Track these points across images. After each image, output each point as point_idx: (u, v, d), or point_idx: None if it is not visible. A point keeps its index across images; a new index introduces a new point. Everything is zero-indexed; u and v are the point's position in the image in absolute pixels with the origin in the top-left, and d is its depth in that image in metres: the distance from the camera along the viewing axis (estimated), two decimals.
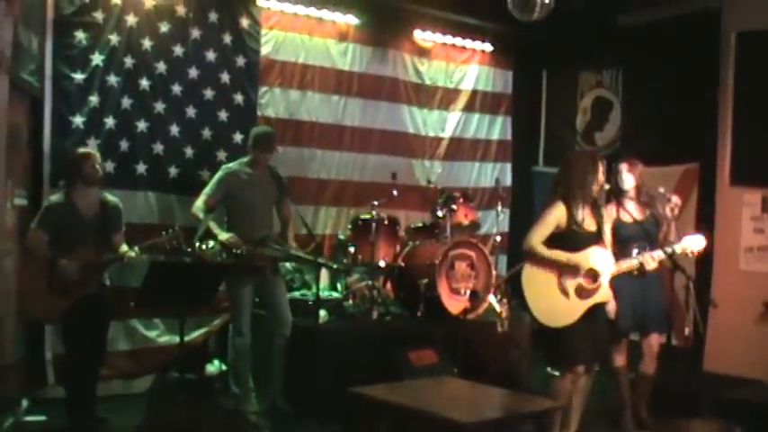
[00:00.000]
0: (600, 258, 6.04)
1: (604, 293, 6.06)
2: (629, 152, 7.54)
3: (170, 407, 6.89)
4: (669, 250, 6.25)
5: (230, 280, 7.09)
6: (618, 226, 6.79)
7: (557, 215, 6.03)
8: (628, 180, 6.96)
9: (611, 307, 6.26)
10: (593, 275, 6.00)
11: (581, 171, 6.06)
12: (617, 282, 6.22)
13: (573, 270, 5.98)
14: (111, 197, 6.84)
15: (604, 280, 6.02)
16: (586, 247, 6.03)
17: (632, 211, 6.84)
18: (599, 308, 6.06)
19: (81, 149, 6.86)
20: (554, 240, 6.05)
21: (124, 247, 6.69)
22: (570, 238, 6.03)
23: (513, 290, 8.36)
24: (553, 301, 6.02)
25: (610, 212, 6.72)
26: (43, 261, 6.37)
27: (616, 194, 6.80)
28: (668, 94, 9.18)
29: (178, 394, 7.30)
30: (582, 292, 6.00)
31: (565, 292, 6.02)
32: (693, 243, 6.34)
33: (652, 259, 6.24)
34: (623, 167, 6.99)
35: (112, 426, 6.77)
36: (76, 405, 6.54)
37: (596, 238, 6.12)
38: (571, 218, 6.01)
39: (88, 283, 6.46)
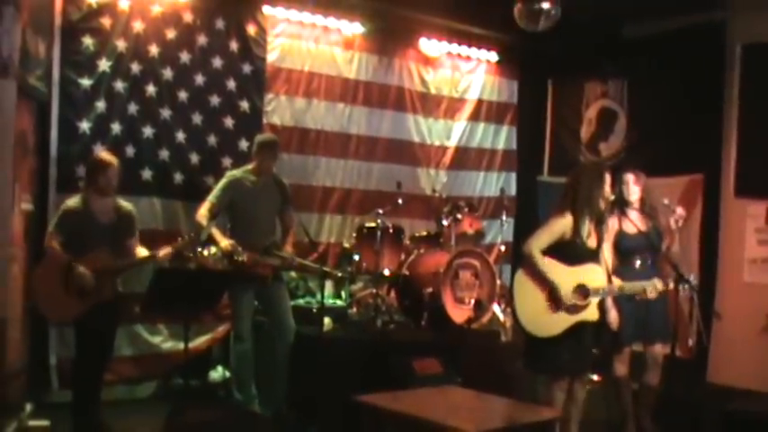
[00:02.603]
0: (593, 277, 6.02)
1: (592, 312, 6.03)
2: (634, 163, 7.54)
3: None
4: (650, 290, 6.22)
5: (231, 286, 7.10)
6: (621, 237, 6.79)
7: (563, 226, 6.01)
8: (635, 192, 6.96)
9: (613, 317, 6.24)
10: (584, 292, 5.98)
11: (589, 186, 6.03)
12: None
13: (557, 290, 5.97)
14: (125, 203, 6.84)
15: (594, 300, 6.01)
16: (584, 262, 6.01)
17: (636, 222, 6.84)
18: (585, 324, 6.04)
19: (101, 155, 6.80)
20: (554, 250, 6.04)
21: (142, 251, 6.72)
22: (571, 250, 6.00)
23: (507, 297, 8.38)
24: (540, 310, 5.99)
25: (612, 224, 6.72)
26: (60, 264, 6.39)
27: (620, 205, 6.79)
28: (673, 105, 9.19)
29: (182, 400, 7.30)
30: (570, 307, 5.98)
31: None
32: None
33: (654, 289, 6.21)
34: (630, 179, 6.98)
35: (115, 431, 6.76)
36: (81, 409, 6.54)
37: (595, 256, 6.10)
38: (576, 231, 5.99)
39: (105, 289, 6.47)
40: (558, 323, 5.97)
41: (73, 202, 6.63)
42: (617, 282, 6.20)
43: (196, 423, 6.60)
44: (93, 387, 6.69)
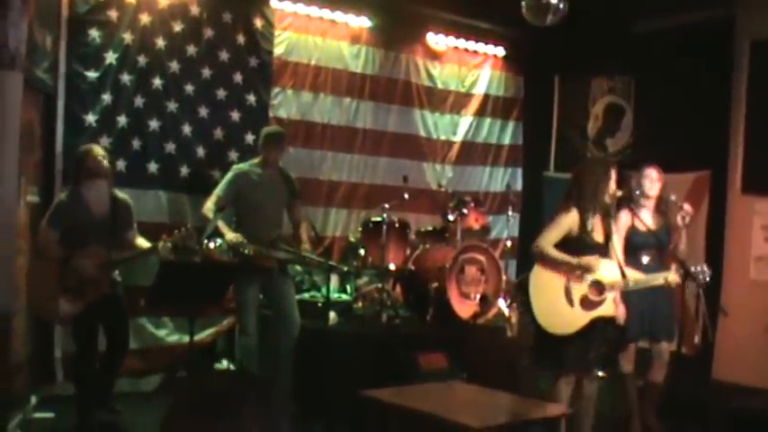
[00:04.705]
0: (607, 271, 6.02)
1: (608, 307, 6.03)
2: (640, 159, 7.50)
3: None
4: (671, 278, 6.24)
5: (236, 279, 7.09)
6: (632, 233, 6.76)
7: (570, 221, 6.00)
8: (656, 187, 6.92)
9: (621, 312, 6.23)
10: (600, 288, 5.97)
11: (594, 180, 6.02)
12: None
13: (582, 273, 5.95)
14: (121, 194, 6.81)
15: (610, 295, 6.00)
16: (593, 256, 6.00)
17: (647, 219, 6.81)
18: (601, 320, 6.03)
19: (83, 146, 6.83)
20: (562, 247, 6.03)
21: (142, 242, 6.70)
22: (578, 245, 5.99)
23: (522, 295, 8.35)
24: (557, 308, 5.98)
25: (625, 219, 6.70)
26: (55, 261, 6.36)
27: (629, 200, 6.75)
28: (680, 101, 9.15)
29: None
30: (586, 303, 5.97)
31: (570, 301, 5.99)
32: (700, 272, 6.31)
33: (674, 280, 6.24)
34: (654, 174, 6.92)
35: (120, 423, 6.76)
36: (85, 402, 6.53)
37: (603, 249, 6.09)
38: (582, 226, 5.98)
39: (102, 283, 6.45)
40: (575, 320, 5.96)
41: (65, 195, 6.61)
42: (634, 274, 6.19)
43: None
44: (106, 381, 6.69)
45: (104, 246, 6.50)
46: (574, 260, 5.94)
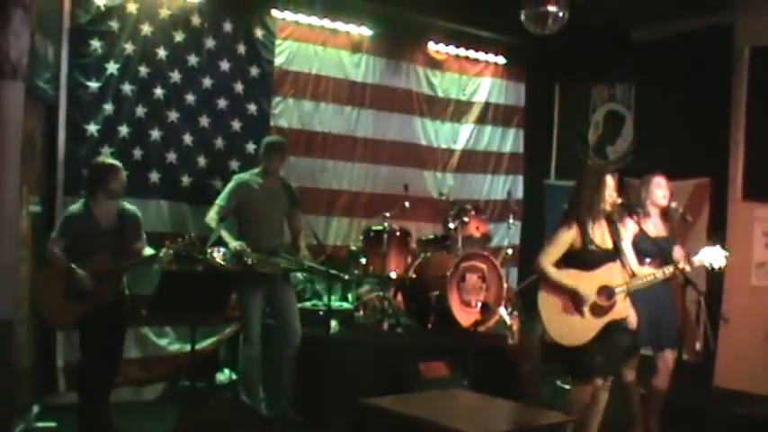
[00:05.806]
0: (614, 275, 6.02)
1: (621, 310, 6.02)
2: (646, 166, 7.50)
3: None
4: (682, 266, 6.25)
5: (240, 288, 7.11)
6: (639, 239, 6.73)
7: (569, 236, 5.99)
8: (667, 196, 6.94)
9: (632, 318, 6.20)
10: (608, 293, 5.97)
11: (589, 191, 6.03)
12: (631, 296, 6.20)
13: (582, 295, 5.96)
14: (129, 206, 6.78)
15: (619, 296, 6.00)
16: (601, 264, 6.00)
17: (652, 228, 6.80)
18: (615, 323, 6.03)
19: (107, 160, 6.78)
20: (570, 259, 6.02)
21: (149, 251, 6.70)
22: (585, 256, 5.98)
23: (523, 303, 8.36)
24: (569, 322, 5.97)
25: (632, 225, 6.67)
26: (60, 268, 6.37)
27: (630, 208, 6.74)
28: (681, 108, 9.17)
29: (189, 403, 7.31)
30: (597, 310, 5.97)
31: (580, 312, 5.98)
32: (712, 256, 6.34)
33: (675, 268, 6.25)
34: (663, 183, 6.95)
35: None
36: (88, 412, 6.52)
37: (613, 256, 6.08)
38: (584, 237, 5.97)
39: (104, 291, 6.45)
40: (589, 329, 5.95)
41: (76, 207, 6.61)
42: (642, 270, 6.20)
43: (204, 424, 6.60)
44: (102, 390, 6.68)
45: (109, 256, 6.51)
46: (571, 286, 5.94)
